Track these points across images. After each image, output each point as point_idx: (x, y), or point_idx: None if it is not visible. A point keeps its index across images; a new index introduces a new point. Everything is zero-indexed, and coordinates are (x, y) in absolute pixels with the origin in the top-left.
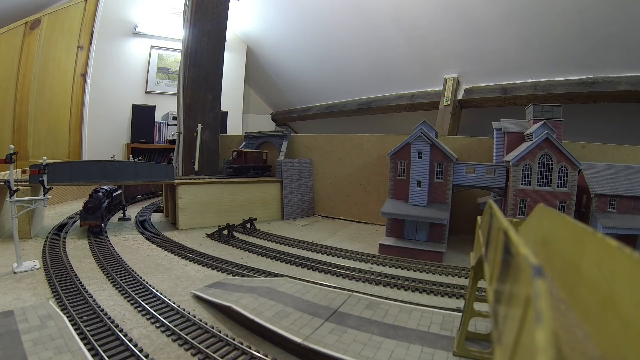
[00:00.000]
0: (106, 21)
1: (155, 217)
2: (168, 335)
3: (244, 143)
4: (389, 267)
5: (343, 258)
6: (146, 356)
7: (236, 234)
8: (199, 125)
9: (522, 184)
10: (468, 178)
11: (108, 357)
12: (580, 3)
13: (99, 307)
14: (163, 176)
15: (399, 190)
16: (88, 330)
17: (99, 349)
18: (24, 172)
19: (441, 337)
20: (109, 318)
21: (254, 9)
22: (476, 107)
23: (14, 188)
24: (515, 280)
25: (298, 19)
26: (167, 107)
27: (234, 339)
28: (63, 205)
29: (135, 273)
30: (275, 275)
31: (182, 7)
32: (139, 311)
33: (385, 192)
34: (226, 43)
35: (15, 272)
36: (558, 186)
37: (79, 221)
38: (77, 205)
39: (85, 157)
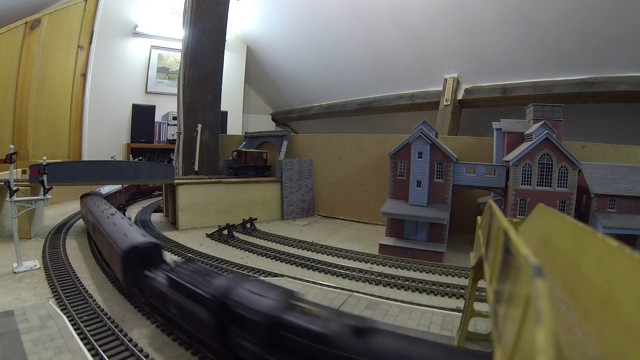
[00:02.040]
0: (106, 21)
1: (155, 217)
2: (168, 335)
3: (244, 143)
4: (389, 267)
5: (343, 258)
6: (146, 356)
7: (236, 234)
8: (199, 125)
9: (522, 184)
10: (468, 178)
11: (108, 357)
12: (580, 3)
13: (99, 307)
14: (163, 176)
15: (399, 190)
16: (88, 330)
17: (99, 349)
18: (24, 172)
19: (441, 337)
20: (109, 318)
21: (254, 9)
22: (476, 107)
23: (14, 188)
24: (515, 280)
25: (298, 19)
26: (167, 107)
27: None
28: (63, 206)
29: None
30: (275, 275)
31: (182, 7)
32: (139, 311)
33: (385, 192)
34: (226, 43)
35: (15, 272)
36: (558, 186)
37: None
38: (77, 206)
39: (85, 157)
